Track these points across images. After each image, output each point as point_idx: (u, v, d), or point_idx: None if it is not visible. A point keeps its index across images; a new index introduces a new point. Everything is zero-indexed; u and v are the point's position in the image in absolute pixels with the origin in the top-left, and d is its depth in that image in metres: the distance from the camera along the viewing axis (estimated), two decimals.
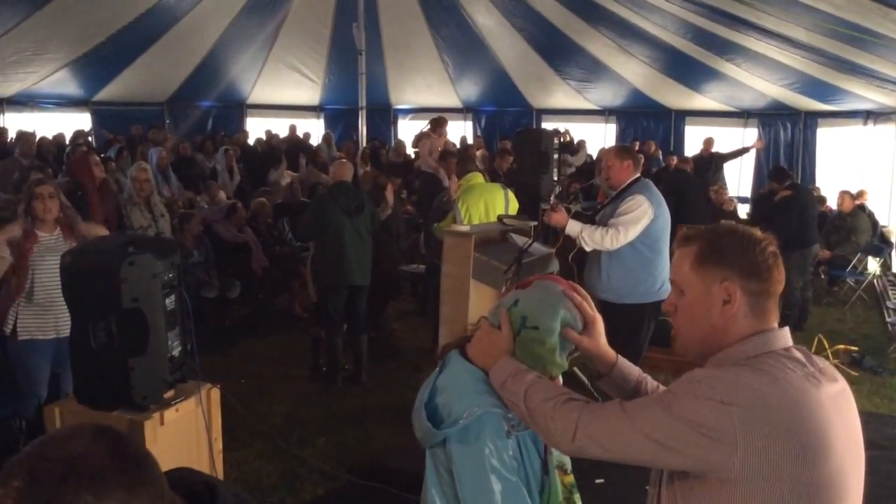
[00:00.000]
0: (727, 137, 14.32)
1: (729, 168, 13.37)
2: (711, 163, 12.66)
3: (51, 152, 10.17)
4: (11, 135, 13.00)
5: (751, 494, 1.51)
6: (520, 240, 4.84)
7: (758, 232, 1.73)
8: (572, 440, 1.65)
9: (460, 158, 6.77)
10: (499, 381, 1.82)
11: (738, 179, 14.74)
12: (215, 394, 3.75)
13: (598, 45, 13.95)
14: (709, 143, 13.36)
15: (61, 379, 4.49)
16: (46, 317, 4.42)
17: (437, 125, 10.73)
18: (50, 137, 12.76)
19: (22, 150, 8.04)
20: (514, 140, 7.00)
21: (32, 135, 9.04)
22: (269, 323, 8.07)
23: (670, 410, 1.55)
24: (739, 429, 1.48)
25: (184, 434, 3.60)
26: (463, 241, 4.63)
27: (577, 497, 1.93)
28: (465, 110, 17.78)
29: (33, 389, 4.45)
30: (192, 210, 8.77)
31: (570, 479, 1.94)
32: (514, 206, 6.15)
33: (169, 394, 3.53)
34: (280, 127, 16.34)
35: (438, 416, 1.87)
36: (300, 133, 16.16)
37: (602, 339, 1.89)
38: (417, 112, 17.55)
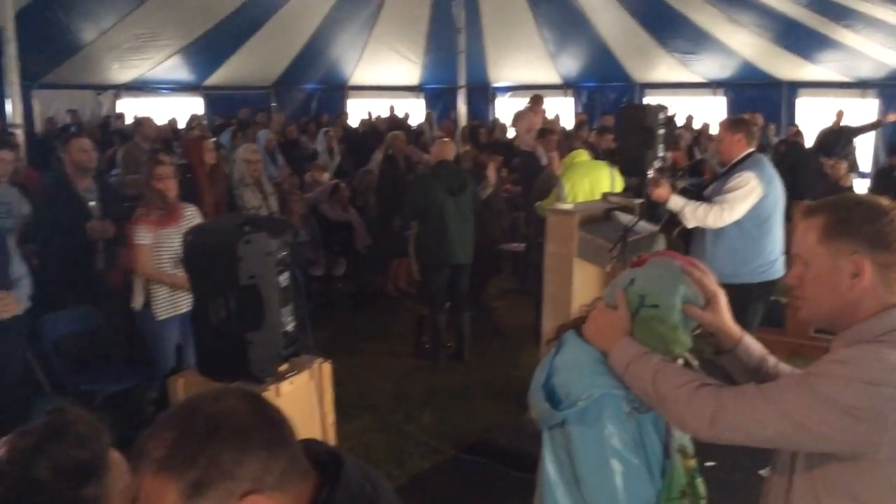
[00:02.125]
0: (844, 110, 13.58)
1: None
2: (841, 137, 12.01)
3: (167, 136, 10.63)
4: (126, 119, 13.71)
5: None
6: (625, 218, 4.76)
7: (885, 202, 1.66)
8: (710, 426, 1.63)
9: (564, 135, 6.69)
10: (621, 364, 1.80)
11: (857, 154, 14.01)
12: (327, 368, 3.85)
13: (705, 16, 13.46)
14: (839, 115, 12.65)
15: (184, 352, 4.72)
16: (175, 293, 4.65)
17: (534, 103, 10.64)
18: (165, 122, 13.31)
19: (142, 134, 8.44)
20: (618, 116, 6.85)
21: (151, 119, 9.47)
22: (374, 300, 8.23)
23: (815, 392, 1.52)
24: (889, 409, 1.45)
25: (298, 406, 3.72)
26: (567, 220, 4.60)
27: (699, 481, 1.90)
28: (565, 86, 17.52)
29: (164, 362, 4.71)
30: (298, 190, 9.00)
31: (693, 463, 1.91)
32: (619, 185, 6.05)
33: (283, 367, 3.65)
34: (381, 108, 16.53)
35: (556, 397, 1.86)
36: (400, 113, 16.30)
37: (726, 313, 1.84)
38: (516, 90, 17.43)
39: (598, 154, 7.82)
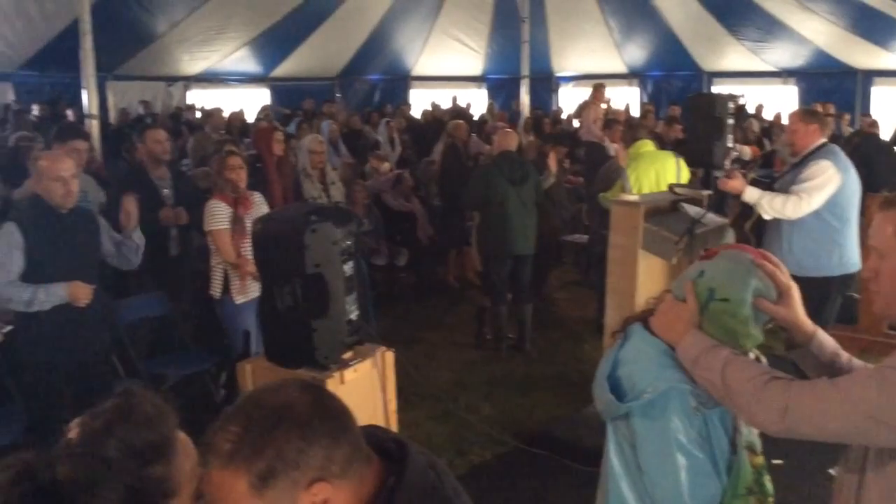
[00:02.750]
0: None
1: None
2: None
3: (236, 127, 10.85)
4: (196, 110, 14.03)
5: None
6: (692, 209, 4.67)
7: None
8: (781, 420, 1.60)
9: (629, 125, 6.60)
10: (689, 357, 1.78)
11: None
12: (390, 356, 3.88)
13: (776, 3, 13.11)
14: None
15: (252, 337, 4.82)
16: (247, 280, 4.76)
17: (596, 92, 10.52)
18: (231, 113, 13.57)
19: (212, 124, 8.65)
20: (686, 105, 6.72)
21: (220, 110, 9.70)
22: (435, 291, 8.27)
23: (889, 384, 1.47)
24: None
25: (361, 394, 3.77)
26: (632, 211, 4.54)
27: (766, 479, 1.87)
28: (631, 75, 17.29)
29: (239, 346, 4.83)
30: (360, 180, 9.08)
31: (760, 460, 1.88)
32: (685, 175, 5.95)
33: (347, 355, 3.70)
34: (443, 98, 16.56)
35: (621, 389, 1.85)
36: (462, 103, 16.30)
37: (799, 307, 1.80)
38: (580, 79, 17.25)
39: (665, 144, 7.70)
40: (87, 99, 6.98)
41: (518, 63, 12.38)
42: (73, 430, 1.27)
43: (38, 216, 3.89)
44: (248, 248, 4.75)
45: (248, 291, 4.82)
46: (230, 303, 4.82)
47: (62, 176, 3.88)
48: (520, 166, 6.35)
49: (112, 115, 12.98)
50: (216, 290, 4.87)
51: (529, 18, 12.08)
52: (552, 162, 7.28)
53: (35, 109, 11.62)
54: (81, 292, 3.89)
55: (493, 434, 4.81)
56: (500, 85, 17.69)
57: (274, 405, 1.20)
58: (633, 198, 4.83)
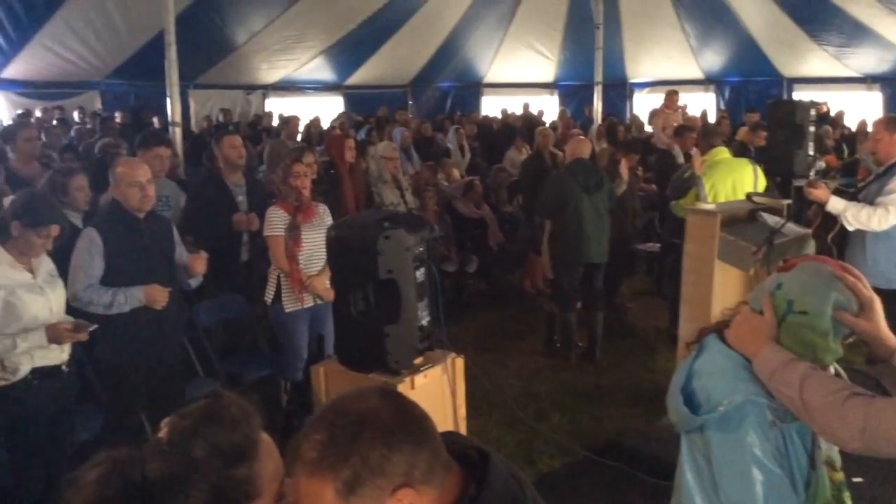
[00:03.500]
0: None
1: None
2: None
3: (312, 134, 11.07)
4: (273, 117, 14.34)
5: None
6: (771, 219, 4.55)
7: None
8: (861, 438, 1.55)
9: (705, 132, 6.47)
10: (766, 370, 1.74)
11: None
12: (460, 363, 3.89)
13: (860, 7, 12.66)
14: None
15: (324, 341, 4.90)
16: (299, 289, 4.83)
17: (668, 98, 10.36)
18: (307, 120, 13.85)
19: (288, 132, 8.84)
20: (766, 112, 6.57)
21: (297, 118, 9.92)
22: (505, 298, 8.25)
23: None
24: None
25: (431, 399, 3.79)
26: (708, 220, 4.45)
27: (846, 495, 1.81)
28: (707, 81, 16.94)
29: (296, 353, 4.91)
30: (432, 187, 9.14)
31: (840, 476, 1.82)
32: (762, 184, 5.80)
33: (418, 360, 3.73)
34: (515, 105, 16.55)
35: (695, 401, 1.82)
36: (534, 110, 16.27)
37: (882, 321, 1.74)
38: (655, 85, 17.01)
39: (748, 152, 7.53)
40: (171, 107, 7.22)
41: (591, 69, 12.30)
42: (163, 430, 1.31)
43: (116, 221, 3.99)
44: (303, 258, 4.84)
45: (300, 301, 4.86)
46: (280, 310, 4.88)
47: (139, 181, 3.96)
48: (593, 174, 6.29)
49: (194, 123, 13.40)
50: (269, 296, 4.94)
51: (603, 24, 11.99)
52: (623, 169, 7.20)
53: (118, 117, 12.07)
54: (158, 295, 4.00)
55: (562, 443, 4.77)
56: (573, 91, 17.59)
57: (356, 413, 1.22)
58: (709, 206, 4.74)
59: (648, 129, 12.29)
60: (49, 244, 3.48)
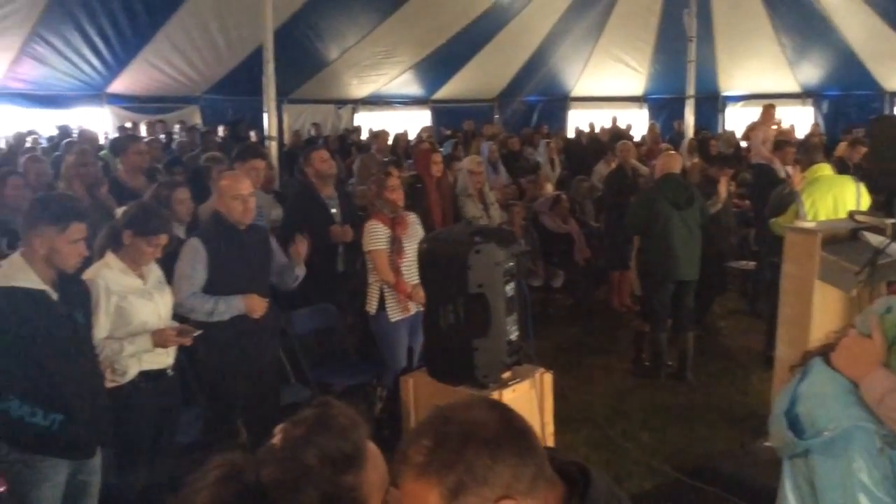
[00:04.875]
0: None
1: None
2: None
3: (401, 148, 11.24)
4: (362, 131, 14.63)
5: None
6: (874, 238, 4.37)
7: None
8: None
9: (806, 147, 6.27)
10: (875, 395, 1.68)
11: None
12: (548, 378, 3.89)
13: None
14: None
15: (414, 352, 4.96)
16: (404, 298, 4.91)
17: (765, 112, 10.08)
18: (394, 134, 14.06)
19: (378, 146, 9.01)
20: (869, 128, 6.32)
21: (386, 133, 10.10)
22: (591, 314, 8.17)
23: None
24: None
25: None
26: (808, 239, 4.31)
27: None
28: (805, 95, 16.40)
29: (396, 361, 4.98)
30: (519, 201, 9.14)
31: None
32: (865, 202, 5.57)
33: (506, 375, 3.75)
34: (602, 118, 16.41)
35: (800, 426, 1.77)
36: (622, 124, 16.08)
37: None
38: (749, 98, 16.59)
39: (847, 168, 7.27)
40: (268, 121, 7.46)
41: (682, 82, 12.10)
42: (277, 436, 1.36)
43: (219, 232, 4.16)
44: (405, 268, 4.91)
45: (406, 310, 4.95)
46: (385, 320, 4.96)
47: (241, 194, 4.14)
48: (684, 189, 6.18)
49: (286, 137, 13.81)
50: (372, 307, 5.02)
51: (696, 37, 11.79)
52: (722, 186, 7.05)
53: (220, 130, 12.54)
54: (257, 305, 4.15)
55: (651, 464, 4.68)
56: (663, 105, 17.32)
57: (463, 422, 1.24)
58: (809, 225, 4.58)
59: (742, 143, 11.99)
60: (158, 252, 3.65)
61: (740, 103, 17.08)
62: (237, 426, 4.55)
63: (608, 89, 17.65)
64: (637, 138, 13.92)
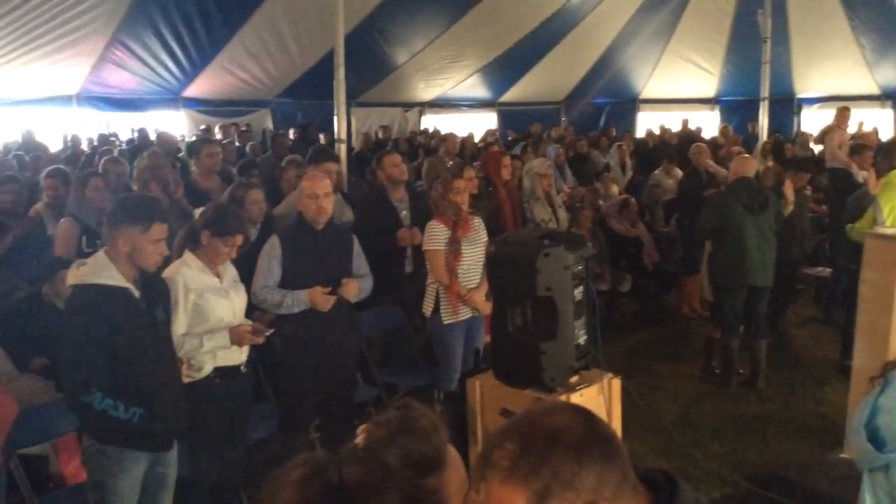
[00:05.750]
0: None
1: None
2: None
3: (466, 150, 11.27)
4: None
5: None
6: None
7: None
8: None
9: (885, 151, 6.06)
10: None
11: None
12: (616, 384, 3.85)
13: None
14: None
15: (480, 354, 4.97)
16: (457, 302, 4.91)
17: (840, 115, 9.78)
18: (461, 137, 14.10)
19: (446, 148, 9.06)
20: None
21: (455, 135, 10.15)
22: (659, 319, 8.04)
23: None
24: None
25: None
26: (889, 245, 4.17)
27: None
28: (883, 97, 15.84)
29: (450, 364, 4.99)
30: (585, 203, 9.06)
31: None
32: None
33: (574, 379, 3.72)
34: (672, 121, 16.14)
35: (880, 438, 1.72)
36: (693, 126, 15.79)
37: None
38: (825, 101, 16.10)
39: None
40: (338, 124, 7.56)
41: (756, 84, 11.82)
42: (360, 437, 1.37)
43: (298, 232, 4.30)
44: (462, 271, 4.91)
45: (457, 313, 4.93)
46: (438, 322, 4.96)
47: (316, 194, 4.24)
48: (758, 193, 6.03)
49: (354, 140, 13.99)
50: (427, 309, 5.03)
51: (770, 38, 11.50)
52: (788, 189, 6.86)
53: (291, 133, 12.78)
54: (321, 299, 4.21)
55: (722, 473, 4.59)
56: (735, 107, 16.94)
57: (548, 427, 1.24)
58: (891, 231, 4.44)
59: (817, 146, 11.64)
60: (234, 252, 3.76)
61: (816, 105, 16.60)
62: (308, 423, 4.63)
63: (679, 91, 17.36)
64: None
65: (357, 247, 4.59)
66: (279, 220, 5.19)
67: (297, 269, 4.23)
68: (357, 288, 4.40)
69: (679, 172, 10.13)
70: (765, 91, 11.44)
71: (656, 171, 10.22)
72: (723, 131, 14.81)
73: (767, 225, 6.00)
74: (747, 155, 7.19)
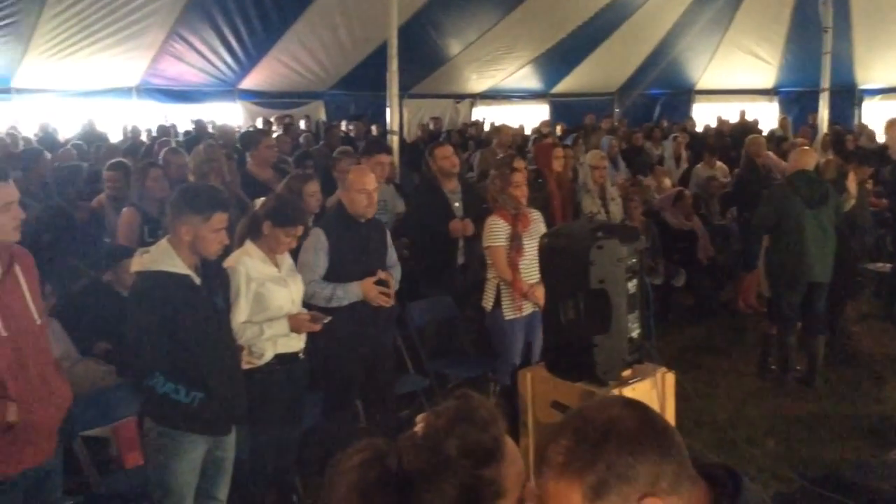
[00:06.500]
0: None
1: None
2: None
3: (516, 142, 11.23)
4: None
5: None
6: None
7: None
8: None
9: None
10: None
11: None
12: (670, 378, 3.81)
13: None
14: None
15: (532, 347, 4.97)
16: (520, 298, 4.91)
17: None
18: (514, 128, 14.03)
19: (499, 140, 9.04)
20: None
21: (508, 127, 10.13)
22: (713, 314, 7.93)
23: None
24: None
25: None
26: None
27: None
28: None
29: (509, 357, 4.98)
30: (633, 196, 8.93)
31: None
32: None
33: (627, 373, 3.69)
34: (729, 112, 15.82)
35: None
36: (750, 117, 15.46)
37: None
38: (888, 92, 15.64)
39: None
40: (390, 116, 7.62)
41: (816, 74, 11.53)
42: (419, 425, 1.39)
43: (341, 223, 4.34)
44: (524, 266, 4.90)
45: (520, 309, 4.92)
46: (500, 317, 4.95)
47: (367, 189, 4.30)
48: (818, 187, 5.90)
49: (406, 131, 14.05)
50: (488, 303, 5.03)
51: (832, 27, 11.21)
52: (851, 183, 6.69)
53: (344, 125, 12.90)
54: (373, 291, 4.27)
55: (776, 471, 4.52)
56: (794, 98, 16.55)
57: (602, 420, 1.25)
58: None
59: (881, 138, 11.31)
60: (294, 243, 3.85)
61: (878, 97, 16.12)
62: (356, 410, 4.69)
63: (736, 82, 17.04)
64: (765, 133, 13.37)
65: (389, 238, 4.65)
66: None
67: (342, 261, 4.28)
68: (393, 279, 4.47)
69: (721, 166, 9.98)
70: (825, 82, 11.17)
71: (698, 165, 10.07)
72: (782, 122, 14.48)
73: (827, 219, 5.87)
74: (807, 147, 7.03)
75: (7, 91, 11.54)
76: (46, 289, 4.31)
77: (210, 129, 11.25)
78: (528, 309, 4.92)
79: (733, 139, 12.41)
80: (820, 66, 11.29)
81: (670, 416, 3.85)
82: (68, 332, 4.40)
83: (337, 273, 4.27)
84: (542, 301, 4.83)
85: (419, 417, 1.40)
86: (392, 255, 4.68)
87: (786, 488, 4.39)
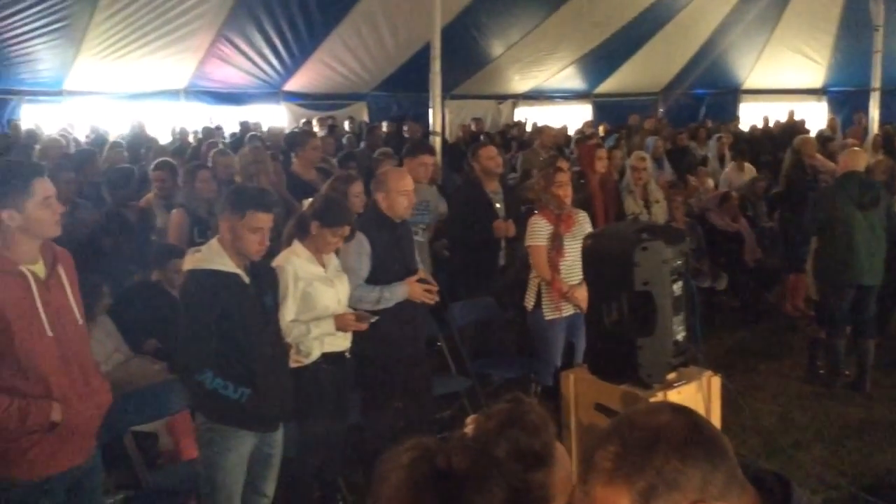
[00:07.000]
0: None
1: None
2: None
3: (559, 143, 11.18)
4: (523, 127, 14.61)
5: None
6: None
7: None
8: None
9: None
10: None
11: None
12: (716, 382, 3.77)
13: None
14: None
15: (576, 349, 4.95)
16: (560, 298, 4.90)
17: None
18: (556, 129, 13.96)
19: (542, 141, 9.03)
20: None
21: (550, 128, 10.11)
22: (760, 317, 7.81)
23: None
24: None
25: None
26: None
27: None
28: None
29: (550, 359, 4.99)
30: (680, 198, 8.82)
31: None
32: None
33: (671, 376, 3.66)
34: (777, 112, 15.53)
35: None
36: (798, 117, 15.16)
37: None
38: None
39: None
40: (433, 117, 7.65)
41: (867, 74, 11.30)
42: (469, 426, 1.40)
43: (379, 225, 4.34)
44: (565, 267, 4.88)
45: (559, 309, 4.92)
46: (540, 317, 4.96)
47: (407, 191, 4.33)
48: (869, 188, 5.78)
49: (448, 132, 14.07)
50: (529, 303, 5.04)
51: (883, 26, 10.97)
52: None
53: (390, 125, 12.92)
54: (419, 291, 4.30)
55: (824, 477, 4.44)
56: (844, 98, 16.18)
57: (650, 427, 1.23)
58: None
59: None
60: (340, 243, 3.89)
61: None
62: (396, 411, 4.72)
63: (784, 81, 16.72)
64: (813, 133, 13.11)
65: (420, 238, 4.70)
66: None
67: (383, 263, 4.29)
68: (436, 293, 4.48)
69: (750, 168, 9.82)
70: (876, 81, 10.94)
71: (727, 169, 9.90)
72: (830, 123, 14.19)
73: (878, 221, 5.75)
74: (857, 148, 6.88)
75: (59, 93, 11.82)
76: (104, 289, 4.44)
77: (257, 132, 11.39)
78: (568, 310, 4.91)
79: (774, 141, 12.21)
80: (870, 66, 11.06)
81: (716, 420, 3.81)
82: (120, 329, 4.51)
83: (378, 275, 4.28)
84: (582, 303, 4.82)
85: (469, 419, 1.41)
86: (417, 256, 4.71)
87: (834, 495, 4.32)
